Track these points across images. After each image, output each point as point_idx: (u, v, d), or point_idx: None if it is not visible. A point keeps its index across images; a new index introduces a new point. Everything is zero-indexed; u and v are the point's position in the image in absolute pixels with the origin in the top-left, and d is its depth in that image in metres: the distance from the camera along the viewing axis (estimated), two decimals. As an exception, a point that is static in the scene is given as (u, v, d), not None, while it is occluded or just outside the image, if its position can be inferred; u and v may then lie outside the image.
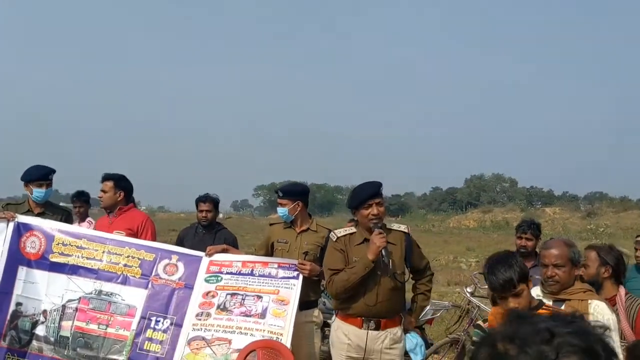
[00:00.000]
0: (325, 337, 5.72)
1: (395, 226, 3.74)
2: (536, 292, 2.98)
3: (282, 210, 4.19)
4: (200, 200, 5.23)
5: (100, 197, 4.58)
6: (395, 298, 3.61)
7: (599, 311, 2.76)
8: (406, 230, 3.72)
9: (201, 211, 5.18)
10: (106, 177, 4.56)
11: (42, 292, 4.00)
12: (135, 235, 4.39)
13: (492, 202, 51.53)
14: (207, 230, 5.16)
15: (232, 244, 4.91)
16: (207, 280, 4.00)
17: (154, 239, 4.52)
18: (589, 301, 2.80)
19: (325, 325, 5.74)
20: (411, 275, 3.85)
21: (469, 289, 5.69)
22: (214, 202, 5.23)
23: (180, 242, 4.78)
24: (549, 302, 2.86)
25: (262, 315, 3.79)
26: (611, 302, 3.18)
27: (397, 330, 3.64)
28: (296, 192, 4.25)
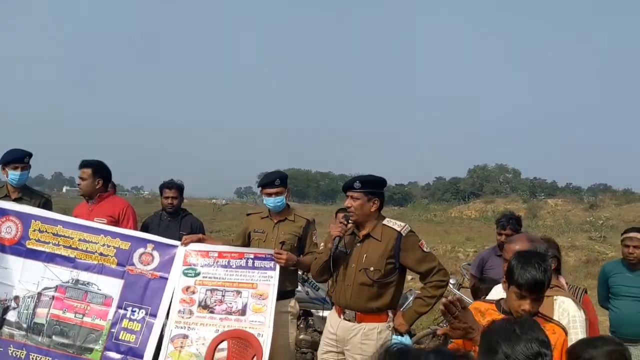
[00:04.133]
0: (308, 327, 5.72)
1: (390, 223, 3.54)
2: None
3: (279, 199, 4.09)
4: (166, 186, 5.12)
5: (78, 184, 4.52)
6: (369, 294, 3.47)
7: (564, 308, 2.69)
8: (398, 229, 3.48)
9: (166, 198, 5.08)
10: (84, 164, 4.47)
11: (15, 278, 3.98)
12: (116, 222, 4.34)
13: (495, 192, 51.19)
14: (172, 217, 5.07)
15: (198, 229, 4.85)
16: (185, 274, 3.98)
17: (135, 226, 4.48)
18: (554, 297, 2.72)
19: (308, 314, 5.74)
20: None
21: (452, 281, 5.66)
22: (179, 189, 5.14)
23: (144, 230, 4.66)
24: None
25: (243, 312, 3.83)
26: None
27: (374, 326, 3.48)
28: (286, 180, 4.18)
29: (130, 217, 4.48)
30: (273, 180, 4.09)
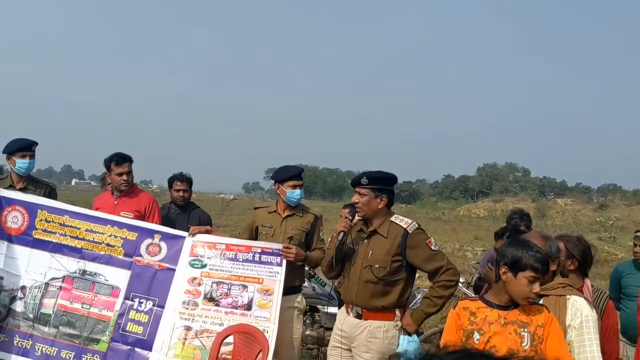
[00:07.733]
0: (315, 323, 5.69)
1: (398, 220, 3.46)
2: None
3: (301, 192, 4.09)
4: (177, 179, 5.11)
5: (125, 179, 4.41)
6: (374, 291, 3.42)
7: (577, 307, 2.65)
8: (404, 226, 3.40)
9: (177, 190, 5.07)
10: (127, 158, 4.43)
11: (21, 268, 3.96)
12: (142, 217, 4.32)
13: (504, 191, 50.95)
14: (181, 210, 5.06)
15: (206, 222, 4.82)
16: (191, 265, 3.95)
17: (160, 221, 4.45)
18: (567, 297, 2.69)
19: (315, 310, 5.71)
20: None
21: (461, 280, 5.61)
22: (189, 182, 5.13)
23: None
24: None
25: (248, 306, 3.79)
26: None
27: (380, 325, 3.43)
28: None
29: (156, 212, 4.48)
30: (300, 173, 4.11)
